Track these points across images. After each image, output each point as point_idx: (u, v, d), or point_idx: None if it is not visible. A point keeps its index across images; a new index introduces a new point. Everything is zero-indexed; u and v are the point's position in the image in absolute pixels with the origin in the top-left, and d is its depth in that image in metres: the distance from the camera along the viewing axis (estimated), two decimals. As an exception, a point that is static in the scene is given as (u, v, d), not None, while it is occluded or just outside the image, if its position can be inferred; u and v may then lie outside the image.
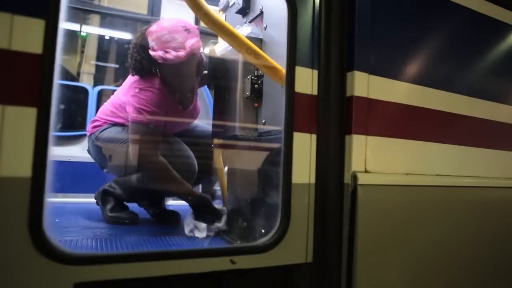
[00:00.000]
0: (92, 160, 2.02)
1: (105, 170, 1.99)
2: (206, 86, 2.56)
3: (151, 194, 2.01)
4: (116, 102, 1.92)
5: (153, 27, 1.77)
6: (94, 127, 1.92)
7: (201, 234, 1.61)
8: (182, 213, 2.04)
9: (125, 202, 1.94)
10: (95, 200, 1.99)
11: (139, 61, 1.79)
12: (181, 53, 1.70)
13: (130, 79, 1.87)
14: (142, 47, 1.79)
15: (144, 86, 1.78)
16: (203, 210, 1.76)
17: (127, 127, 1.85)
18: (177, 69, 1.77)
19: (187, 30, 1.75)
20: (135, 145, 1.75)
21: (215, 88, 1.94)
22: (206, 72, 1.96)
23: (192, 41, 1.72)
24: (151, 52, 1.74)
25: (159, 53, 1.71)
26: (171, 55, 1.69)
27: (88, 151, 2.00)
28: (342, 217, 1.22)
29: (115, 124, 1.89)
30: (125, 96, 1.85)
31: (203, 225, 1.64)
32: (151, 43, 1.75)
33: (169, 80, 1.82)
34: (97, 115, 1.97)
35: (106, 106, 1.97)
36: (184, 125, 2.02)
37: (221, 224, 1.68)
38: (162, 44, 1.71)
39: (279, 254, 1.10)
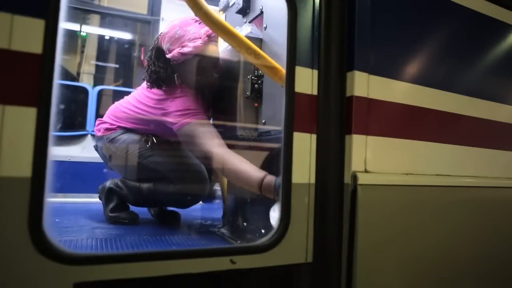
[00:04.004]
0: (92, 160, 2.03)
1: (105, 170, 2.00)
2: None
3: (160, 203, 2.00)
4: (134, 110, 1.85)
5: (165, 30, 1.75)
6: (107, 129, 1.88)
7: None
8: (182, 213, 2.04)
9: (129, 204, 1.93)
10: (99, 194, 1.99)
11: (155, 72, 1.75)
12: (198, 42, 1.67)
13: (151, 93, 1.80)
14: (157, 57, 1.76)
15: (175, 94, 1.73)
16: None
17: (145, 135, 1.82)
18: (197, 63, 1.72)
19: (197, 21, 1.72)
20: (195, 145, 1.65)
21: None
22: None
23: (206, 28, 1.69)
24: (169, 55, 1.70)
25: (177, 50, 1.67)
26: (189, 47, 1.66)
27: (96, 148, 1.99)
28: (342, 217, 1.22)
29: (130, 130, 1.86)
30: (154, 109, 1.77)
31: None
32: (166, 45, 1.72)
33: (192, 81, 1.77)
34: (109, 117, 1.92)
35: (120, 111, 1.91)
36: None
37: None
38: (177, 41, 1.68)
39: (279, 254, 1.10)
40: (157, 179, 1.82)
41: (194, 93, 1.77)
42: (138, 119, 1.84)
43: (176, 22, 1.74)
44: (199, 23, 1.71)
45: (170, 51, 1.71)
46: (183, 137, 1.70)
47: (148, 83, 1.80)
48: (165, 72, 1.75)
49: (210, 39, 1.70)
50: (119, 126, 1.87)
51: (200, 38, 1.68)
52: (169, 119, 1.70)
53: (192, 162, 1.83)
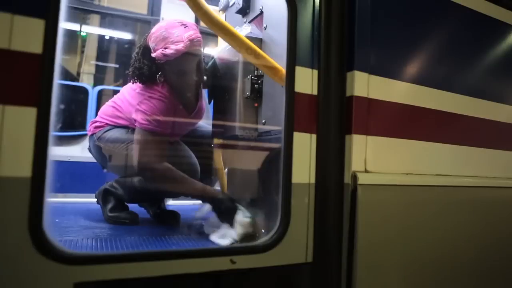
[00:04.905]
0: (92, 160, 2.02)
1: (105, 170, 1.99)
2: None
3: (153, 196, 2.01)
4: (120, 105, 1.90)
5: (152, 30, 1.79)
6: (96, 127, 1.91)
7: (224, 241, 1.45)
8: (182, 213, 2.04)
9: (125, 203, 1.94)
10: (96, 199, 1.99)
11: (138, 68, 1.79)
12: (180, 45, 1.70)
13: (135, 86, 1.85)
14: (143, 54, 1.81)
15: (152, 94, 1.77)
16: (221, 210, 1.60)
17: (130, 129, 1.85)
18: (179, 66, 1.76)
19: (183, 25, 1.76)
20: (140, 151, 1.73)
21: (214, 88, 1.93)
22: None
23: (190, 33, 1.73)
24: (153, 54, 1.75)
25: (160, 50, 1.72)
26: (171, 49, 1.70)
27: (89, 150, 2.00)
28: (342, 217, 1.22)
29: (117, 125, 1.88)
30: (132, 102, 1.82)
31: (229, 231, 1.47)
32: (151, 45, 1.76)
33: (173, 82, 1.81)
34: (99, 115, 1.96)
35: (108, 106, 1.95)
36: (190, 128, 2.02)
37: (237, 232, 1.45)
38: (161, 42, 1.72)
39: (279, 254, 1.10)
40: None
41: (172, 95, 1.80)
42: (122, 113, 1.88)
43: (163, 23, 1.80)
44: (185, 27, 1.75)
45: (154, 51, 1.75)
46: (136, 136, 1.74)
47: (131, 78, 1.84)
48: (148, 69, 1.79)
49: (192, 43, 1.74)
50: (106, 123, 1.90)
51: (183, 41, 1.71)
52: (136, 114, 1.75)
53: (182, 152, 1.84)
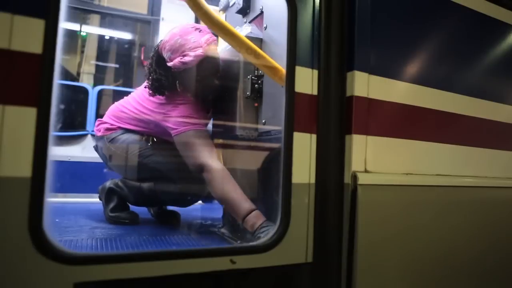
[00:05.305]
0: (91, 160, 2.03)
1: (105, 170, 2.00)
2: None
3: (161, 202, 2.00)
4: (134, 111, 1.86)
5: (165, 38, 1.75)
6: (108, 129, 1.89)
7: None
8: (182, 213, 2.04)
9: (130, 204, 1.94)
10: (98, 195, 1.99)
11: (156, 79, 1.76)
12: (199, 51, 1.67)
13: (155, 98, 1.81)
14: (157, 64, 1.77)
15: (176, 102, 1.74)
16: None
17: (145, 135, 1.83)
18: (198, 71, 1.73)
19: (197, 29, 1.74)
20: (192, 152, 1.66)
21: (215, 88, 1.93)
22: None
23: (206, 37, 1.70)
24: (169, 64, 1.71)
25: (178, 59, 1.68)
26: (190, 56, 1.67)
27: (96, 149, 2.00)
28: (342, 217, 1.22)
29: (131, 131, 1.87)
30: (155, 110, 1.78)
31: None
32: (166, 54, 1.72)
33: (193, 87, 1.78)
34: (109, 117, 1.93)
35: (121, 109, 1.91)
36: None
37: None
38: (178, 50, 1.69)
39: (279, 254, 1.10)
40: (157, 178, 1.82)
41: (194, 99, 1.78)
42: (138, 120, 1.85)
43: (176, 30, 1.74)
44: (199, 31, 1.72)
45: (171, 60, 1.71)
46: (179, 144, 1.70)
47: (150, 91, 1.80)
48: (166, 79, 1.75)
49: (209, 47, 1.71)
50: (119, 127, 1.88)
51: (201, 47, 1.68)
52: (169, 124, 1.71)
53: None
